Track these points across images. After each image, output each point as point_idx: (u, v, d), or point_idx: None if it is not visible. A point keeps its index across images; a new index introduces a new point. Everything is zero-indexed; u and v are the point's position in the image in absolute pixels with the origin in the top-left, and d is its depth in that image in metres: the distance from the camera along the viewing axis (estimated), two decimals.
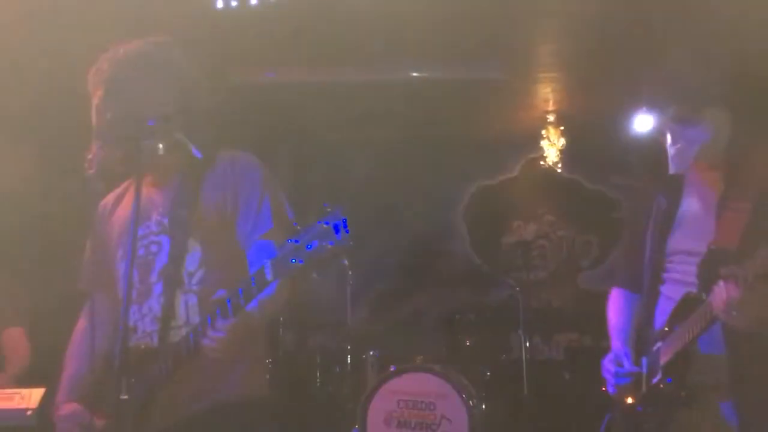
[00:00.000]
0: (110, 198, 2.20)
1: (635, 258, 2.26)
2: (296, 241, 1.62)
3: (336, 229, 1.59)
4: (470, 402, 4.07)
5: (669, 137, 2.14)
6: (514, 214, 6.03)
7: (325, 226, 1.60)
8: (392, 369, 4.24)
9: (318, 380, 4.80)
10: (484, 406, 4.23)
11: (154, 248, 1.99)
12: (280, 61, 4.59)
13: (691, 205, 2.15)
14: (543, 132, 5.40)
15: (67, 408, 2.03)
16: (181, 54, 2.06)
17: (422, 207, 5.79)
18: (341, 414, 4.50)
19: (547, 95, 5.21)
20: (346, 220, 1.60)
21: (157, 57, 2.02)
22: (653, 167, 2.30)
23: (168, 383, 1.87)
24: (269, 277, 1.68)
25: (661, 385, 2.03)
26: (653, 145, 2.26)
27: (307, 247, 1.60)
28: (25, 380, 3.12)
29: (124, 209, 2.12)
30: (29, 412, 2.68)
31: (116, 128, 1.95)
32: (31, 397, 2.74)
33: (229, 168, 2.05)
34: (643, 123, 2.28)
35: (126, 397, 1.72)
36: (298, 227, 1.63)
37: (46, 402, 2.73)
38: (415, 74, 4.96)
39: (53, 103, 3.30)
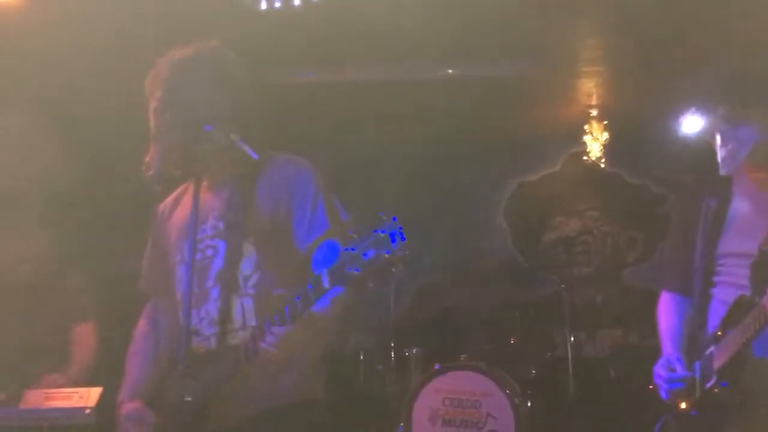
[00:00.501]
0: (168, 200, 2.24)
1: (685, 260, 2.23)
2: (353, 250, 1.63)
3: (392, 238, 1.60)
4: (516, 400, 4.06)
5: (719, 138, 2.11)
6: (556, 210, 5.98)
7: (381, 234, 1.60)
8: (437, 367, 4.24)
9: (361, 379, 4.83)
10: (529, 404, 4.21)
11: (210, 252, 2.02)
12: (318, 60, 4.61)
13: (741, 206, 2.13)
14: (586, 127, 5.34)
15: (129, 407, 2.08)
16: (235, 57, 2.09)
17: (463, 204, 5.78)
18: (385, 412, 4.53)
19: (590, 89, 5.15)
20: (402, 228, 1.60)
21: (213, 60, 2.05)
22: (701, 168, 2.28)
23: (227, 385, 1.90)
24: (326, 284, 1.70)
25: (716, 390, 2.01)
26: (701, 145, 2.23)
27: (364, 256, 1.61)
28: (88, 378, 3.19)
29: (182, 212, 2.15)
30: (87, 411, 2.76)
31: (173, 131, 1.98)
32: (90, 396, 2.82)
33: (283, 171, 2.07)
34: (690, 122, 2.27)
35: (189, 399, 1.75)
36: (354, 236, 1.64)
37: (104, 401, 2.81)
38: (452, 71, 4.95)
39: (111, 106, 3.37)
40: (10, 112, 3.94)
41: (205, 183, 2.07)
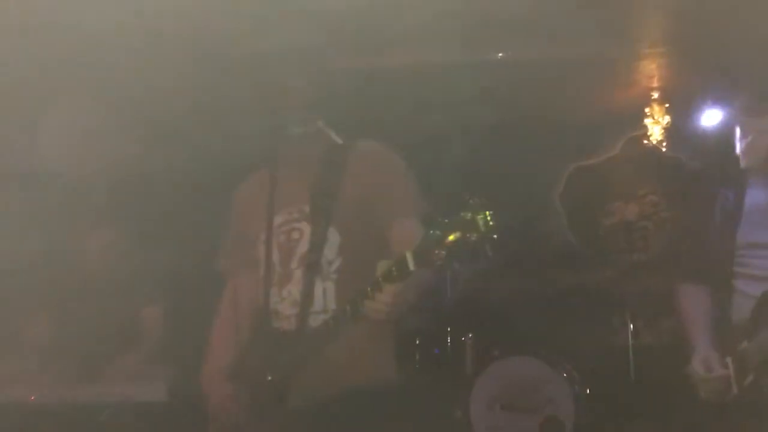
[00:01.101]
0: (251, 182, 2.27)
1: (702, 251, 2.22)
2: (438, 232, 1.63)
3: (479, 220, 1.59)
4: (575, 386, 4.04)
5: (738, 130, 2.10)
6: (615, 194, 5.88)
7: (468, 216, 1.60)
8: (495, 352, 4.24)
9: (417, 363, 4.84)
10: (588, 390, 4.19)
11: (295, 235, 2.05)
12: (378, 44, 4.61)
13: (759, 197, 2.10)
14: (647, 109, 5.23)
15: (212, 384, 2.13)
16: (324, 43, 2.10)
17: (520, 188, 5.72)
18: (442, 397, 4.54)
19: (652, 71, 5.03)
20: (490, 211, 1.59)
21: (303, 47, 2.06)
22: (720, 158, 2.24)
23: (305, 367, 1.93)
24: (411, 266, 1.70)
25: (756, 387, 2.00)
26: (721, 136, 2.20)
27: (449, 238, 1.61)
28: (160, 358, 3.29)
29: (264, 195, 2.16)
30: (162, 389, 2.86)
31: (263, 117, 2.01)
32: (164, 375, 2.91)
33: (368, 156, 2.09)
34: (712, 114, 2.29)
35: (271, 378, 1.79)
36: (440, 218, 1.65)
37: (177, 380, 2.90)
38: (510, 54, 4.89)
39: (186, 90, 3.40)
40: (73, 99, 4.04)
41: (290, 166, 2.09)
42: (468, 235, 1.61)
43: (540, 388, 4.08)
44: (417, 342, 4.89)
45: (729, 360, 2.08)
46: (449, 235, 1.63)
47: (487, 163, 5.46)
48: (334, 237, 2.02)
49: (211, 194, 2.60)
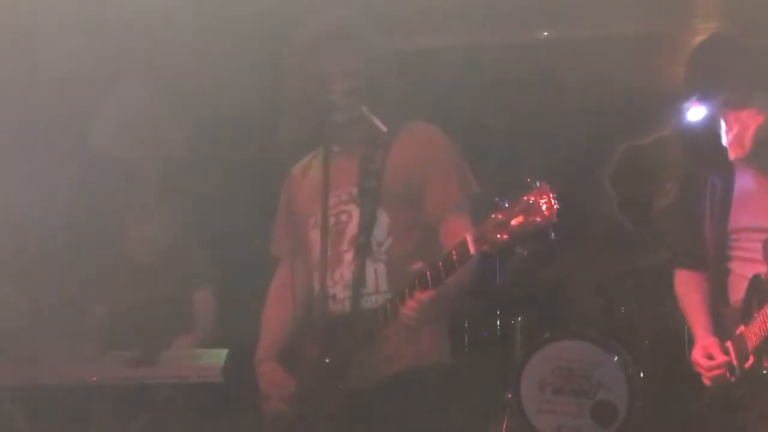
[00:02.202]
0: (299, 167, 2.29)
1: (694, 236, 2.25)
2: (500, 215, 1.61)
3: (543, 204, 1.56)
4: (629, 370, 3.97)
5: (723, 123, 2.13)
6: (668, 175, 5.72)
7: (531, 200, 1.57)
8: (546, 335, 4.20)
9: (465, 346, 4.83)
10: (642, 375, 4.11)
11: (344, 218, 2.06)
12: (419, 27, 4.57)
13: (747, 184, 2.15)
14: None
15: (266, 366, 2.16)
16: (368, 28, 2.10)
17: (569, 168, 5.62)
18: (492, 379, 4.52)
19: None
20: (554, 194, 1.57)
21: (346, 32, 2.07)
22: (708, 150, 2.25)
23: (361, 348, 1.95)
24: (472, 250, 1.68)
25: (755, 369, 2.01)
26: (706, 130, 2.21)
27: (512, 222, 1.59)
28: (210, 341, 3.35)
29: (314, 178, 2.19)
30: (216, 370, 2.91)
31: (307, 102, 2.02)
32: (218, 356, 2.96)
33: (416, 137, 2.08)
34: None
35: (328, 360, 1.80)
36: (501, 202, 1.62)
37: (230, 361, 2.95)
38: (559, 32, 4.80)
39: (235, 75, 3.43)
40: (128, 86, 4.10)
41: (337, 150, 2.10)
42: (531, 218, 1.58)
43: (592, 372, 4.03)
44: (465, 324, 4.87)
45: (729, 344, 2.10)
46: (511, 218, 1.61)
47: (536, 144, 5.40)
48: (382, 218, 2.03)
49: (261, 179, 2.62)
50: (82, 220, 3.78)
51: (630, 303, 4.60)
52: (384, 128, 2.01)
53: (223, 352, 3.00)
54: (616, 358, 4.00)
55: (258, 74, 2.88)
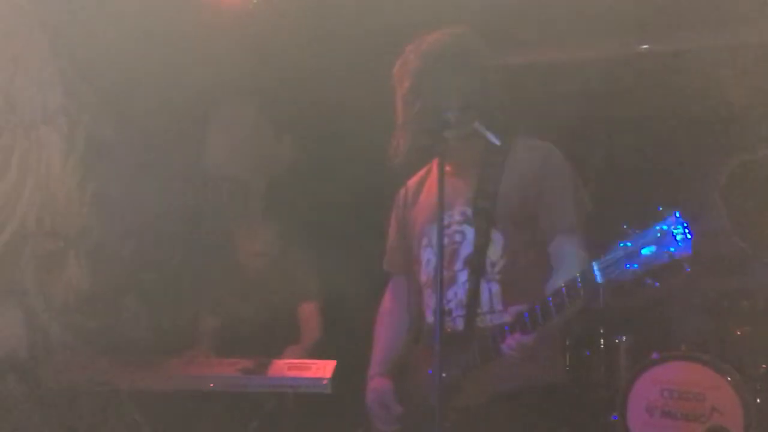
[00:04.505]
0: (411, 184, 2.30)
1: None
2: (629, 244, 1.57)
3: (675, 234, 1.52)
4: (745, 395, 3.78)
5: None
6: None
7: (663, 230, 1.52)
8: (654, 356, 4.05)
9: (567, 364, 4.72)
10: (758, 401, 3.90)
11: (458, 237, 2.07)
12: (526, 41, 4.54)
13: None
14: None
15: (377, 382, 2.20)
16: (480, 43, 2.11)
17: (677, 185, 5.43)
18: (595, 400, 4.40)
19: None
20: (687, 224, 1.51)
21: (460, 48, 2.09)
22: None
23: (476, 366, 1.95)
24: (599, 279, 1.64)
25: None
26: None
27: (643, 252, 1.54)
28: (317, 353, 3.43)
29: (427, 196, 2.21)
30: (324, 381, 2.98)
31: (422, 119, 2.04)
32: (326, 368, 3.04)
33: (531, 156, 2.07)
34: None
35: (444, 375, 1.82)
36: (631, 230, 1.58)
37: (338, 373, 3.02)
38: (665, 45, 4.67)
39: (340, 92, 3.51)
40: (240, 104, 4.27)
41: (450, 169, 2.10)
42: (664, 249, 1.53)
43: (704, 395, 3.86)
44: (567, 343, 4.76)
45: None
46: (643, 247, 1.56)
47: (644, 158, 5.25)
48: (497, 238, 2.02)
49: (372, 195, 2.67)
50: (197, 236, 3.96)
51: (744, 324, 4.39)
52: (497, 142, 2.01)
53: (332, 364, 3.07)
54: (731, 382, 3.81)
55: (364, 87, 2.94)
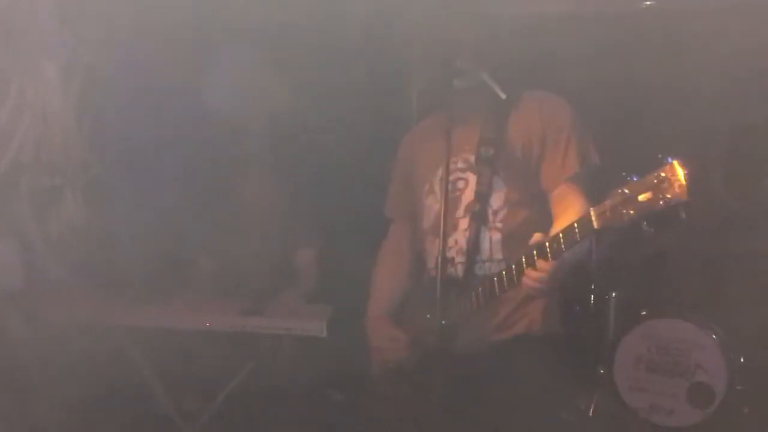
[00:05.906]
0: (415, 132, 2.31)
1: None
2: (626, 191, 1.59)
3: (674, 181, 1.53)
4: (730, 354, 3.86)
5: None
6: None
7: (660, 176, 1.54)
8: (643, 313, 4.11)
9: (559, 318, 4.77)
10: (742, 360, 3.99)
11: (460, 184, 2.08)
12: None
13: None
14: None
15: (378, 322, 2.23)
16: None
17: (673, 145, 5.42)
18: (582, 354, 4.47)
19: None
20: (685, 172, 1.53)
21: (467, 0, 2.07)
22: None
23: (476, 313, 1.98)
24: (596, 225, 1.66)
25: None
26: None
27: (640, 198, 1.56)
28: (313, 298, 3.46)
29: (431, 144, 2.21)
30: (321, 325, 3.01)
31: (426, 69, 2.04)
32: (322, 313, 3.07)
33: (536, 108, 2.06)
34: None
35: (444, 322, 1.85)
36: (628, 177, 1.60)
37: (334, 318, 3.05)
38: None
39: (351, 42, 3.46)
40: (243, 50, 4.19)
41: (456, 118, 2.10)
42: (661, 195, 1.54)
43: (689, 352, 3.93)
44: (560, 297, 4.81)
45: None
46: (640, 194, 1.58)
47: (652, 115, 5.22)
48: (499, 187, 2.03)
49: (377, 143, 2.66)
50: (194, 179, 3.94)
51: (733, 286, 4.44)
52: (503, 95, 2.00)
53: (328, 308, 3.10)
54: (716, 341, 3.89)
55: (369, 36, 2.90)
